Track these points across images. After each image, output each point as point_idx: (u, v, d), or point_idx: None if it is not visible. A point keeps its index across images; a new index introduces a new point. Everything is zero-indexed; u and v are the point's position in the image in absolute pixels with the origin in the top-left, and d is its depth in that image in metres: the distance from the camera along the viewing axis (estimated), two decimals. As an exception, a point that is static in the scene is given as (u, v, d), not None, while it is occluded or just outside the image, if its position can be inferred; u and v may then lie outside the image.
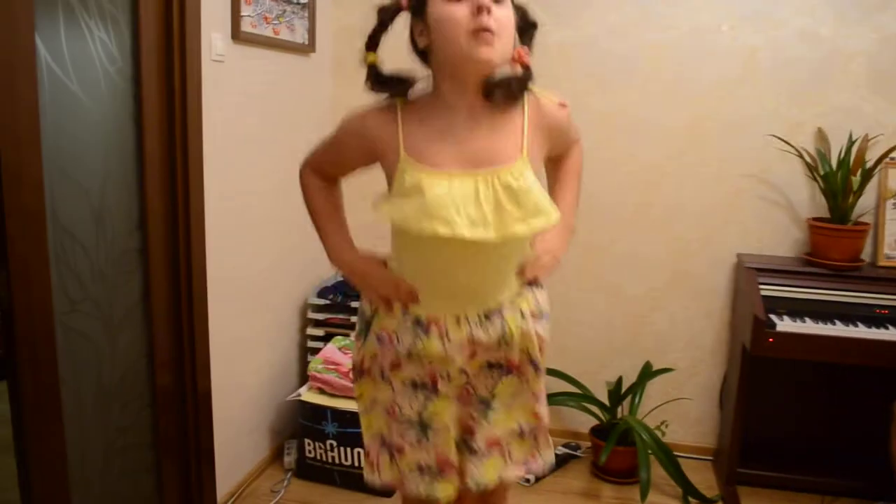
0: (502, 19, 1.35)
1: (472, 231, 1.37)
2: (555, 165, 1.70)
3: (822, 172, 2.80)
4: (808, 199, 2.97)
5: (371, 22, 1.48)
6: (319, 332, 3.09)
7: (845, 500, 2.85)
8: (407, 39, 1.50)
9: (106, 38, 1.96)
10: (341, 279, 3.25)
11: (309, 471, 2.87)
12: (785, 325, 2.58)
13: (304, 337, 3.15)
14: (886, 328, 2.56)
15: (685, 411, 3.23)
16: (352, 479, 2.80)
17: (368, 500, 2.76)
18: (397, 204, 1.43)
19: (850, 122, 2.87)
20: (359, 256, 1.66)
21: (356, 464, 2.77)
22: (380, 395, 1.65)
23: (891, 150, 2.73)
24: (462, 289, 1.52)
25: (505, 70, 1.44)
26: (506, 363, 1.61)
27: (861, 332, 2.55)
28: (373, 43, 1.49)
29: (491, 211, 1.39)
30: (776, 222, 3.02)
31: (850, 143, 2.80)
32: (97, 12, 1.92)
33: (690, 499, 2.81)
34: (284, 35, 2.77)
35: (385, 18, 1.47)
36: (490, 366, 1.61)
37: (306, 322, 3.15)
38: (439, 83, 1.46)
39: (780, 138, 2.89)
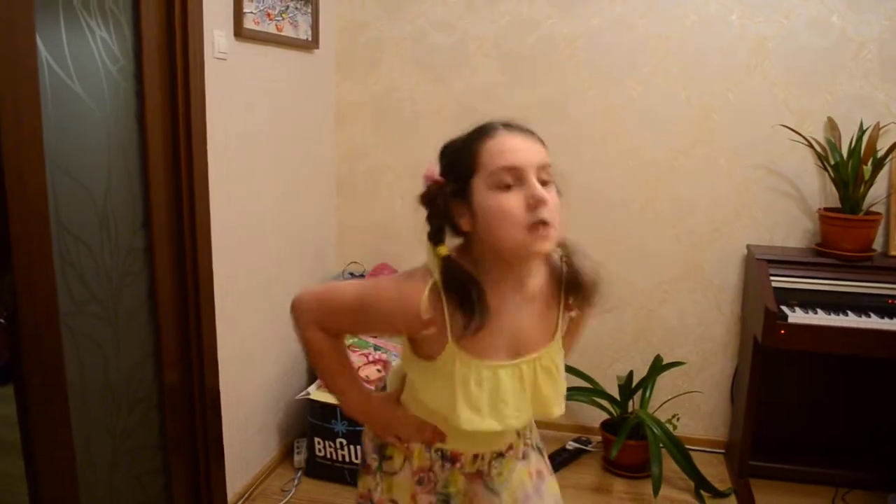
0: (554, 205, 1.25)
1: (518, 420, 1.39)
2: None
3: (832, 162, 2.77)
4: (818, 190, 2.94)
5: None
6: (327, 329, 3.07)
7: (859, 493, 2.83)
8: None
9: (107, 38, 1.94)
10: (348, 276, 3.24)
11: (319, 469, 2.86)
12: (797, 316, 2.56)
13: (312, 335, 3.13)
14: (899, 319, 2.53)
15: (696, 405, 3.21)
16: (362, 477, 2.79)
17: (379, 497, 2.75)
18: (439, 390, 1.37)
19: (861, 111, 2.84)
20: (376, 404, 1.57)
21: (366, 462, 2.76)
22: None
23: (902, 139, 2.70)
24: (485, 441, 1.52)
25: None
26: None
27: (873, 322, 2.52)
28: (436, 236, 1.33)
29: (530, 396, 1.40)
30: (786, 213, 2.99)
31: (861, 131, 2.76)
32: (98, 11, 1.90)
33: (703, 492, 2.79)
34: (287, 31, 2.76)
35: (437, 205, 1.31)
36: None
37: (314, 320, 3.13)
38: (480, 261, 1.33)
39: (789, 128, 2.86)
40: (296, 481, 2.85)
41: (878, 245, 2.82)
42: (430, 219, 1.33)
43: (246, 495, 2.71)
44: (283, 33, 2.72)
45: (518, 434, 1.59)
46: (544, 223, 1.22)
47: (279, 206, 2.83)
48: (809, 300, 2.65)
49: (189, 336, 2.32)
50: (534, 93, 3.09)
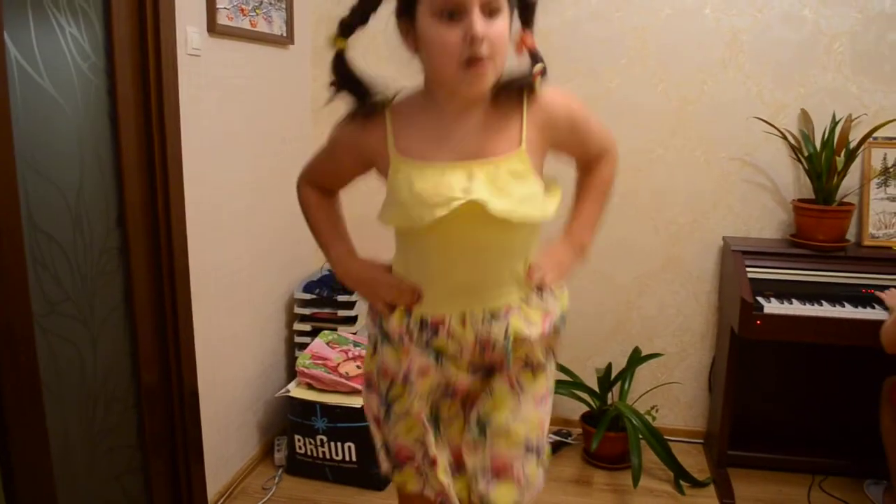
0: (497, 38, 1.24)
1: (465, 195, 1.31)
2: (581, 177, 1.60)
3: (806, 154, 2.80)
4: (793, 181, 2.97)
5: (348, 6, 1.37)
6: (306, 326, 3.07)
7: (835, 479, 2.87)
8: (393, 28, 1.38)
9: (77, 34, 1.92)
10: (327, 273, 3.22)
11: (300, 467, 2.85)
12: (772, 307, 2.58)
13: (291, 332, 3.13)
14: (872, 307, 2.56)
15: (675, 396, 3.24)
16: (343, 474, 2.79)
17: (360, 494, 2.75)
18: (393, 203, 1.38)
19: (834, 103, 2.87)
20: (362, 264, 1.59)
21: (347, 458, 2.76)
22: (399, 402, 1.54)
23: (874, 130, 2.73)
24: (463, 285, 1.43)
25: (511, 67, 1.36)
26: (498, 368, 1.51)
27: (847, 311, 2.55)
28: (345, 29, 1.37)
29: (487, 188, 1.32)
30: (762, 205, 3.01)
31: (834, 123, 2.79)
32: (67, 8, 1.88)
33: (682, 482, 2.82)
34: (262, 27, 2.74)
35: (367, 6, 1.35)
36: (485, 373, 1.53)
37: (293, 317, 3.12)
38: (429, 84, 1.38)
39: (764, 120, 2.88)
40: (276, 479, 2.85)
41: (851, 235, 2.86)
42: (351, 11, 1.36)
43: (226, 494, 2.70)
44: (257, 29, 2.70)
45: (521, 296, 1.47)
46: (478, 59, 1.22)
47: (256, 203, 2.82)
48: (784, 291, 2.67)
49: (166, 335, 2.30)
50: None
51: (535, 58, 1.40)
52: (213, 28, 2.41)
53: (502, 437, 1.49)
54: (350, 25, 1.37)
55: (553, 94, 1.41)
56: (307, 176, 1.62)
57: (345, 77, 1.39)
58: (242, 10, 2.59)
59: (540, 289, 1.49)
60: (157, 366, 2.29)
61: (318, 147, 1.60)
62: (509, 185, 1.33)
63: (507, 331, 1.44)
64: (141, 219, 2.18)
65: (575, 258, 1.57)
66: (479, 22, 1.21)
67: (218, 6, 2.41)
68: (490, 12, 1.23)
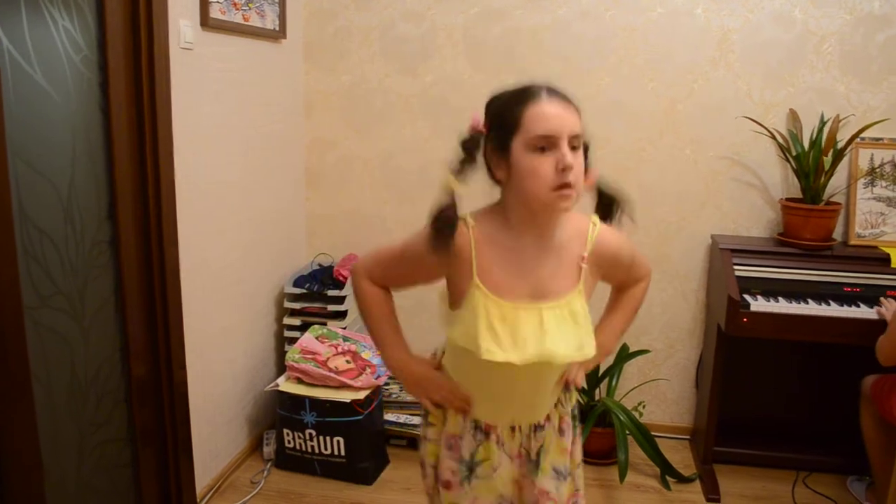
0: (579, 169, 1.40)
1: (538, 355, 1.45)
2: (616, 293, 1.75)
3: (794, 153, 2.82)
4: (781, 180, 3.00)
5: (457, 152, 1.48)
6: (296, 321, 3.07)
7: (819, 476, 2.91)
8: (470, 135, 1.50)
9: (70, 27, 1.91)
10: (317, 267, 3.23)
11: (288, 461, 2.86)
12: (759, 304, 2.61)
13: (281, 326, 3.13)
14: (857, 306, 2.59)
15: (662, 392, 3.26)
16: (331, 468, 2.80)
17: (348, 488, 2.77)
18: (465, 327, 1.48)
19: (822, 103, 2.90)
20: (414, 361, 1.67)
21: (335, 452, 2.77)
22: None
23: (861, 131, 2.75)
24: (518, 404, 1.59)
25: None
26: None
27: (833, 310, 2.58)
28: (458, 173, 1.48)
29: (555, 337, 1.47)
30: (750, 203, 3.04)
31: (822, 123, 2.82)
32: (60, 1, 1.87)
33: (668, 478, 2.85)
34: (255, 21, 2.74)
35: (471, 150, 1.48)
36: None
37: (283, 311, 3.13)
38: (510, 209, 1.49)
39: (753, 120, 2.90)
40: (265, 473, 2.85)
41: (837, 235, 2.88)
42: (461, 161, 1.47)
43: (215, 487, 2.70)
44: (249, 23, 2.70)
45: (555, 404, 1.65)
46: (568, 185, 1.38)
47: (247, 197, 2.82)
48: (771, 289, 2.70)
49: (156, 329, 2.30)
50: (502, 83, 3.09)
51: (599, 192, 1.57)
52: (206, 22, 2.41)
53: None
54: (461, 170, 1.47)
55: (608, 235, 1.56)
56: (370, 273, 1.64)
57: (448, 220, 1.46)
58: (235, 4, 2.58)
59: (567, 388, 1.69)
60: (147, 359, 2.30)
61: (387, 247, 1.62)
62: (570, 328, 1.49)
63: (542, 445, 1.63)
64: (132, 212, 2.18)
65: (598, 361, 1.81)
66: (568, 154, 1.38)
67: (211, 0, 2.41)
68: (573, 147, 1.40)
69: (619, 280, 1.70)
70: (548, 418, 1.64)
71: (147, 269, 2.25)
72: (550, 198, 1.38)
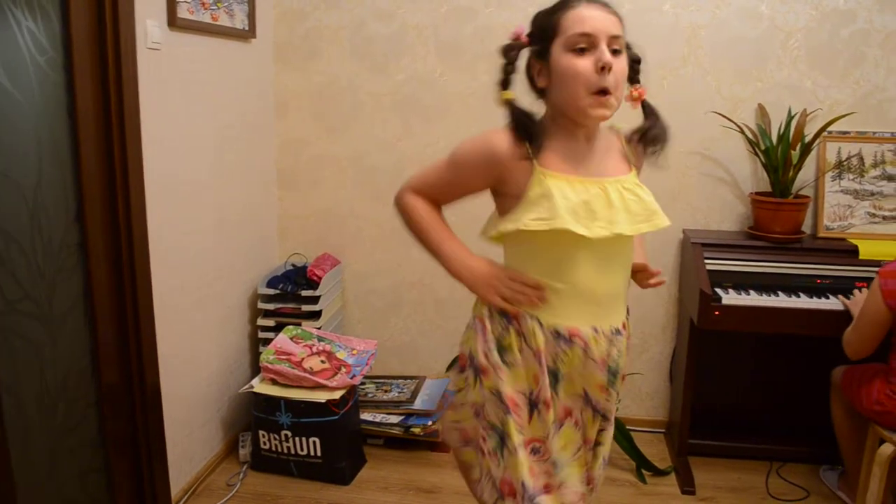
0: (619, 73, 1.44)
1: (609, 229, 1.48)
2: None
3: (763, 147, 2.85)
4: (750, 175, 3.03)
5: (497, 62, 1.55)
6: (270, 322, 3.06)
7: (793, 466, 2.94)
8: (522, 71, 1.57)
9: (35, 29, 1.88)
10: (291, 268, 3.22)
11: (265, 462, 2.85)
12: (730, 298, 2.63)
13: (255, 328, 3.12)
14: (827, 297, 2.63)
15: (637, 386, 3.29)
16: (308, 469, 2.79)
17: (325, 488, 2.76)
18: (537, 209, 1.48)
19: (790, 98, 2.94)
20: (480, 260, 1.62)
21: (312, 453, 2.76)
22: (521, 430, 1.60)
23: (828, 125, 2.79)
24: (597, 298, 1.56)
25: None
26: (606, 414, 1.68)
27: (803, 302, 2.61)
28: (505, 83, 1.55)
29: (622, 210, 1.51)
30: (721, 198, 3.07)
31: (790, 118, 2.85)
32: (24, 2, 1.84)
33: (644, 471, 2.87)
34: (223, 21, 2.72)
35: (512, 56, 1.54)
36: (595, 413, 1.67)
37: (256, 312, 3.11)
38: (557, 114, 1.53)
39: (722, 115, 2.93)
40: (241, 475, 2.84)
41: (807, 227, 2.92)
42: (503, 68, 1.54)
43: (190, 491, 2.68)
44: (218, 23, 2.68)
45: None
46: (605, 91, 1.41)
47: (219, 198, 2.80)
48: (742, 282, 2.73)
49: (127, 332, 2.28)
50: (474, 81, 3.11)
51: (645, 110, 1.62)
52: (174, 22, 2.39)
53: (600, 461, 1.72)
54: (506, 78, 1.55)
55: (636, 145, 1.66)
56: (416, 187, 1.65)
57: (524, 125, 1.51)
58: (203, 3, 2.56)
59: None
60: (118, 363, 2.27)
61: (433, 164, 1.63)
62: (634, 201, 1.54)
63: (619, 353, 1.62)
64: (100, 214, 2.16)
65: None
66: (607, 53, 1.41)
67: (178, 0, 2.39)
68: (613, 51, 1.43)
69: None
70: (624, 325, 1.64)
71: (117, 272, 2.23)
72: (588, 102, 1.42)
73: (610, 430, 1.71)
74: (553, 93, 1.50)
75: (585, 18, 1.42)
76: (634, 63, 1.59)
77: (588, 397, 1.64)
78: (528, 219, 1.48)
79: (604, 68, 1.40)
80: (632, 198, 1.53)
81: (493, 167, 1.52)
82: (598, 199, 1.49)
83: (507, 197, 1.55)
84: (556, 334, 1.55)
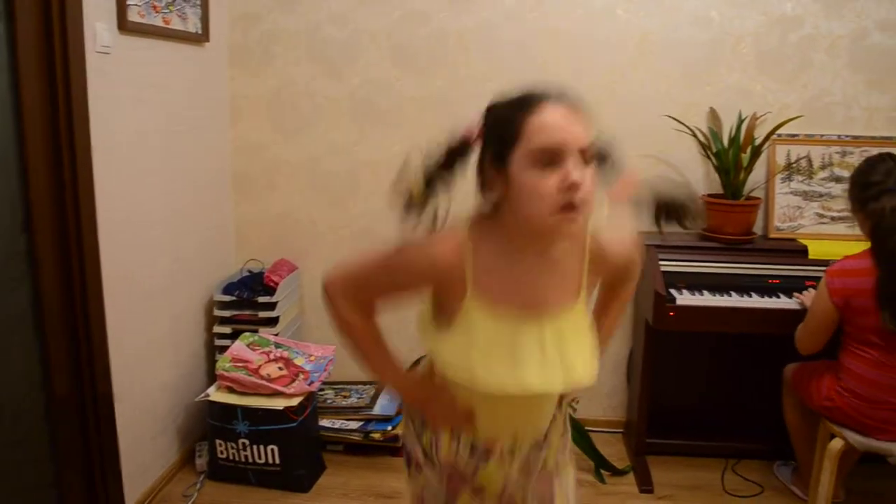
0: (589, 185, 1.24)
1: (541, 385, 1.35)
2: (605, 293, 1.61)
3: (714, 150, 2.90)
4: (703, 177, 3.08)
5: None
6: (226, 329, 3.02)
7: (748, 462, 3.00)
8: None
9: (-23, 31, 1.84)
10: (247, 274, 3.18)
11: (222, 471, 2.80)
12: (684, 298, 2.67)
13: (211, 335, 3.07)
14: (778, 297, 2.68)
15: (595, 387, 3.28)
16: (266, 477, 2.75)
17: (284, 497, 2.73)
18: (459, 346, 1.35)
19: (741, 102, 2.99)
20: (418, 385, 1.57)
21: (270, 461, 2.73)
22: None
23: (778, 128, 2.86)
24: (521, 423, 1.50)
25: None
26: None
27: (755, 301, 2.66)
28: (429, 183, 1.31)
29: (556, 359, 1.35)
30: (674, 200, 3.11)
31: (740, 121, 2.91)
32: (-35, 3, 1.80)
33: (602, 471, 2.89)
34: (176, 24, 2.67)
35: (454, 160, 1.31)
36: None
37: (212, 320, 3.07)
38: (507, 226, 1.34)
39: (674, 118, 2.98)
40: (198, 485, 2.79)
41: (758, 228, 2.98)
42: (438, 170, 1.31)
43: (146, 503, 2.63)
44: (170, 26, 2.64)
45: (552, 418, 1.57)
46: (574, 206, 1.22)
47: (172, 204, 2.76)
48: (696, 282, 2.77)
49: (78, 342, 2.23)
50: (429, 85, 3.11)
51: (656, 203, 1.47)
52: (124, 25, 2.34)
53: None
54: (433, 183, 1.31)
55: (621, 244, 1.44)
56: (345, 292, 1.44)
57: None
58: (155, 6, 2.52)
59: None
60: (69, 374, 2.22)
61: (362, 260, 1.43)
62: (572, 345, 1.37)
63: (545, 459, 1.57)
64: (49, 222, 2.11)
65: None
66: (576, 169, 1.22)
67: (129, 3, 2.35)
68: (584, 161, 1.25)
69: (617, 282, 1.57)
70: (549, 430, 1.56)
71: (67, 281, 2.18)
72: (554, 220, 1.23)
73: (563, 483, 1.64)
74: (511, 206, 1.29)
75: (552, 129, 1.22)
76: (604, 161, 1.37)
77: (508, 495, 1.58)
78: (446, 354, 1.37)
79: (572, 187, 1.21)
80: (571, 341, 1.37)
81: (431, 279, 1.38)
82: (527, 347, 1.34)
83: (441, 304, 1.40)
84: (472, 448, 1.51)
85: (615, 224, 1.41)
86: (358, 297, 1.43)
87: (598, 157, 1.31)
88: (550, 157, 1.21)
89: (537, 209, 1.23)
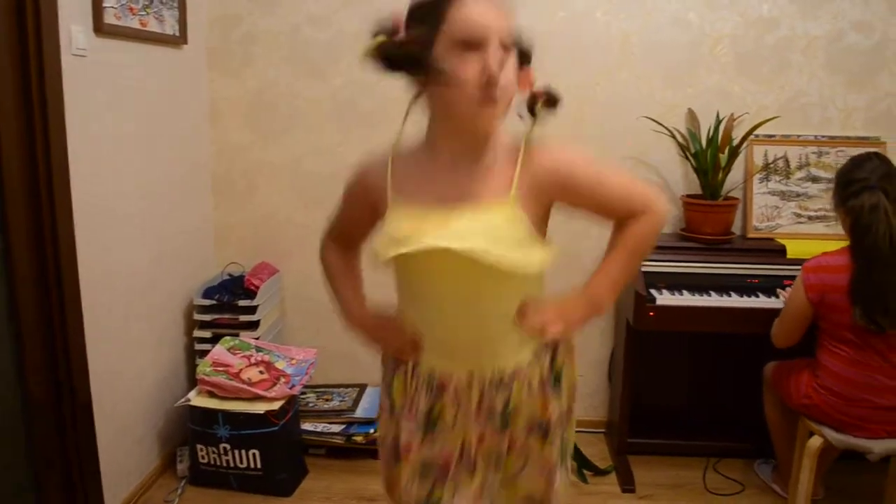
0: (509, 75, 1.25)
1: (444, 241, 1.29)
2: (612, 233, 1.50)
3: (693, 151, 2.92)
4: (682, 178, 3.10)
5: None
6: (207, 333, 3.00)
7: (728, 461, 3.01)
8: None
9: (-51, 33, 1.82)
10: (227, 277, 3.16)
11: (203, 477, 2.78)
12: (664, 298, 2.69)
13: (191, 339, 3.05)
14: (757, 296, 2.70)
15: (577, 387, 3.31)
16: (248, 482, 2.74)
17: (266, 501, 2.72)
18: (381, 239, 1.39)
19: (719, 103, 3.01)
20: (367, 313, 1.60)
21: (251, 465, 2.71)
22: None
23: (755, 128, 2.88)
24: (466, 342, 1.44)
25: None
26: (509, 445, 1.51)
27: (734, 301, 2.68)
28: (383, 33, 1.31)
29: (464, 232, 1.30)
30: (654, 201, 3.12)
31: (718, 122, 2.93)
32: (-63, 5, 1.78)
33: (585, 471, 2.90)
34: (153, 27, 2.66)
35: (393, 53, 1.30)
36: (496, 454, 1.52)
37: (192, 324, 3.05)
38: (432, 125, 1.38)
39: (653, 120, 2.99)
40: (179, 490, 2.77)
41: (736, 228, 3.00)
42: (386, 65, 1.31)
43: (126, 508, 2.62)
44: (147, 28, 2.62)
45: (533, 355, 1.47)
46: (492, 98, 1.23)
47: (151, 208, 2.74)
48: (676, 282, 2.78)
49: (55, 345, 2.20)
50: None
51: (544, 98, 1.37)
52: (100, 27, 2.33)
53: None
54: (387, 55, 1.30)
55: (551, 149, 1.37)
56: (328, 231, 1.63)
57: (396, 62, 1.31)
58: (131, 8, 2.51)
59: (545, 340, 1.48)
60: (45, 378, 2.20)
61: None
62: (491, 231, 1.31)
63: (507, 401, 1.46)
64: (24, 224, 2.09)
65: (586, 311, 1.48)
66: (496, 60, 1.22)
67: (105, 5, 2.33)
68: (505, 48, 1.25)
69: (598, 211, 1.46)
70: (516, 374, 1.45)
71: (43, 283, 2.16)
72: (472, 111, 1.25)
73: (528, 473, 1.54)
74: (432, 99, 1.33)
75: (474, 18, 1.22)
76: (523, 50, 1.35)
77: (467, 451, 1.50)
78: (373, 247, 1.41)
79: (491, 80, 1.22)
80: (491, 227, 1.32)
81: (362, 195, 1.47)
82: (434, 226, 1.32)
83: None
84: (430, 378, 1.48)
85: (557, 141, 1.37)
86: (333, 235, 1.62)
87: (515, 48, 1.30)
88: (472, 46, 1.22)
89: (457, 96, 1.24)
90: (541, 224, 1.42)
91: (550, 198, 1.40)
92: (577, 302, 1.47)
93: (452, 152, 1.36)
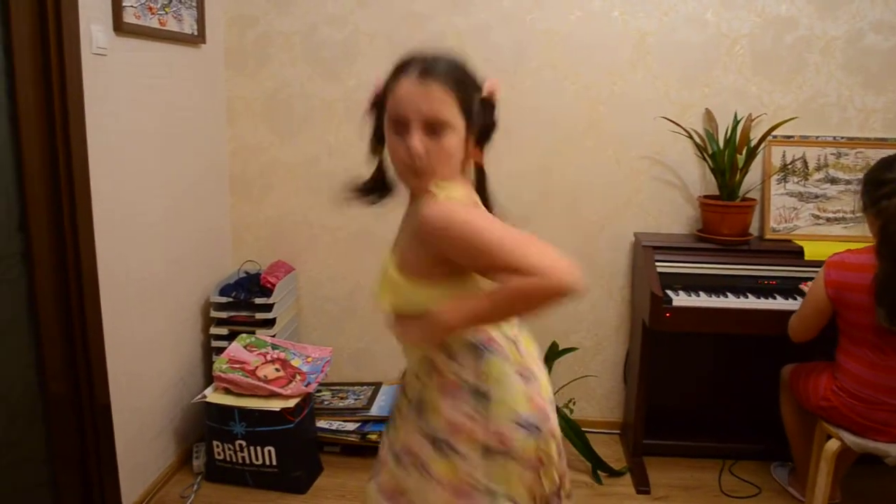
0: (437, 153, 1.37)
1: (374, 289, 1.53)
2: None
3: (710, 152, 2.91)
4: (699, 178, 3.09)
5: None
6: (223, 330, 3.01)
7: (744, 463, 3.00)
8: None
9: (-27, 33, 1.84)
10: (244, 275, 3.18)
11: (219, 473, 2.80)
12: (680, 299, 2.68)
13: (208, 336, 3.07)
14: (774, 298, 2.69)
15: (592, 388, 3.32)
16: (263, 478, 2.75)
17: (281, 498, 2.73)
18: None
19: (736, 103, 3.00)
20: None
21: (267, 462, 2.73)
22: None
23: (773, 129, 2.86)
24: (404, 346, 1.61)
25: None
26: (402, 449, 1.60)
27: (751, 302, 2.67)
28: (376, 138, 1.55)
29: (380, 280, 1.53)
30: (671, 201, 3.12)
31: (736, 122, 2.92)
32: (-39, 5, 1.80)
33: (599, 472, 2.89)
34: (172, 26, 2.68)
35: (374, 112, 1.53)
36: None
37: (209, 321, 3.06)
38: None
39: (670, 120, 2.98)
40: (195, 486, 2.79)
41: (754, 229, 2.98)
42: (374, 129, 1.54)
43: (143, 504, 2.64)
44: (166, 28, 2.64)
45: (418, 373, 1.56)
46: (416, 168, 1.39)
47: (169, 206, 2.76)
48: (692, 284, 2.78)
49: (74, 343, 2.22)
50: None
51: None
52: (120, 27, 2.35)
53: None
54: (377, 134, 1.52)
55: (430, 212, 1.34)
56: None
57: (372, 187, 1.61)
58: (151, 8, 2.52)
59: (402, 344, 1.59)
60: (65, 376, 2.22)
61: None
62: (382, 275, 1.51)
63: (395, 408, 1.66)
64: (45, 223, 2.11)
65: (426, 332, 1.45)
66: (417, 139, 1.36)
67: (124, 4, 2.35)
68: (434, 131, 1.37)
69: (481, 271, 1.41)
70: (404, 389, 1.64)
71: (63, 283, 2.18)
72: (403, 176, 1.44)
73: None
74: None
75: (401, 101, 1.37)
76: (485, 131, 1.52)
77: None
78: None
79: (409, 154, 1.36)
80: (382, 267, 1.50)
81: None
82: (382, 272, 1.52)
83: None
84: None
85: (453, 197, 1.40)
86: None
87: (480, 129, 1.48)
88: (399, 126, 1.39)
89: (394, 168, 1.46)
90: (440, 266, 1.40)
91: (435, 250, 1.38)
92: (427, 321, 1.43)
93: (408, 201, 1.55)
